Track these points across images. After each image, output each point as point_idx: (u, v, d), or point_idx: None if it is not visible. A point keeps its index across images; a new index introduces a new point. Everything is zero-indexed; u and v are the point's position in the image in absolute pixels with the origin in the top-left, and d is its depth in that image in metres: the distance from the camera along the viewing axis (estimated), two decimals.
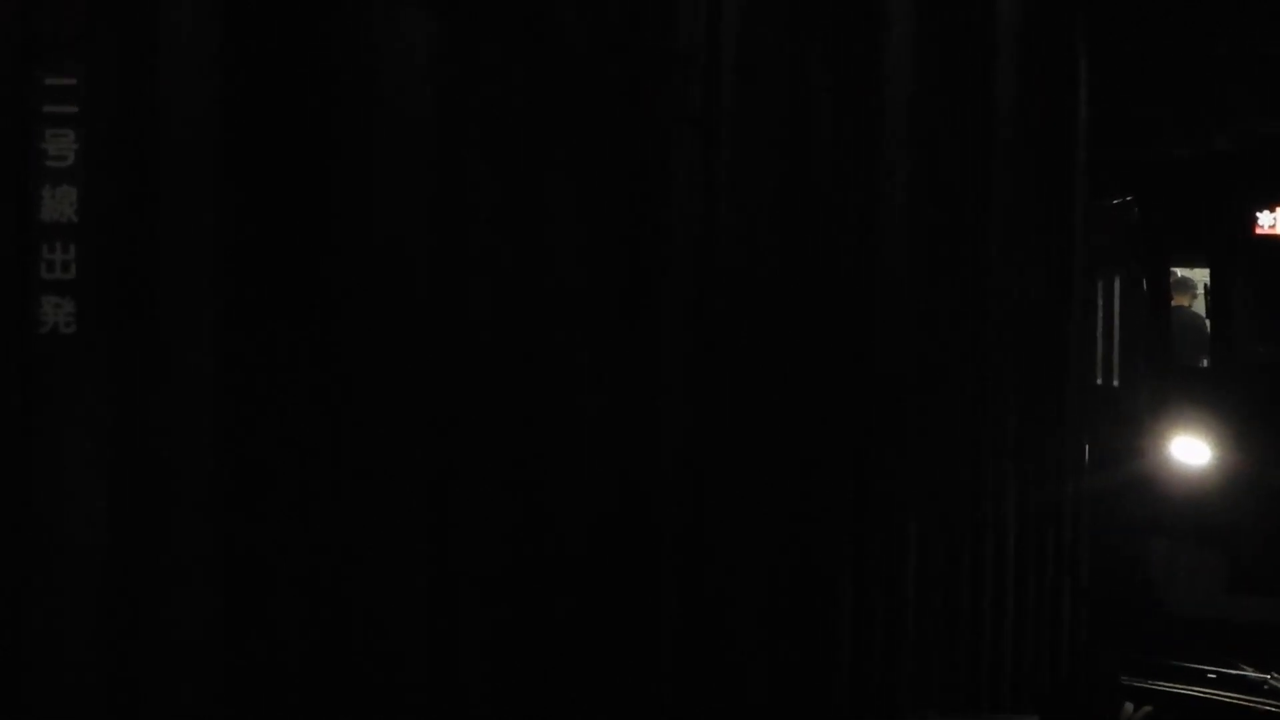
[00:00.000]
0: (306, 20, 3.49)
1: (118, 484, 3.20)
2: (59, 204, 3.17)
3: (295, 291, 3.49)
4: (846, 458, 5.21)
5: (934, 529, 5.67)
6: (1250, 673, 6.52)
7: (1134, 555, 10.62)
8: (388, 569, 3.64)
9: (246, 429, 3.39)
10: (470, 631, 3.85)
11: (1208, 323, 11.31)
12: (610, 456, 4.19)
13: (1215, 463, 10.65)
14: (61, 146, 3.17)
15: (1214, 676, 6.48)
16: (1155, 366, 11.12)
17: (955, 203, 5.89)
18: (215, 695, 3.33)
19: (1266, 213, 10.83)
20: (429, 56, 3.69)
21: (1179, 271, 11.47)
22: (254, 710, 3.41)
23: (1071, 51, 7.13)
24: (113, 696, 3.21)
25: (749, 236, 4.68)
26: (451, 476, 3.79)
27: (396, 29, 3.64)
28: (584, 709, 4.12)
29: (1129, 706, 6.18)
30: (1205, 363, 11.30)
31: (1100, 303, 11.66)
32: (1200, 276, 11.36)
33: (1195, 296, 11.48)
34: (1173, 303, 11.33)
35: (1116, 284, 11.63)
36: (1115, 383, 11.56)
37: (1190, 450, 10.75)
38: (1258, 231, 10.85)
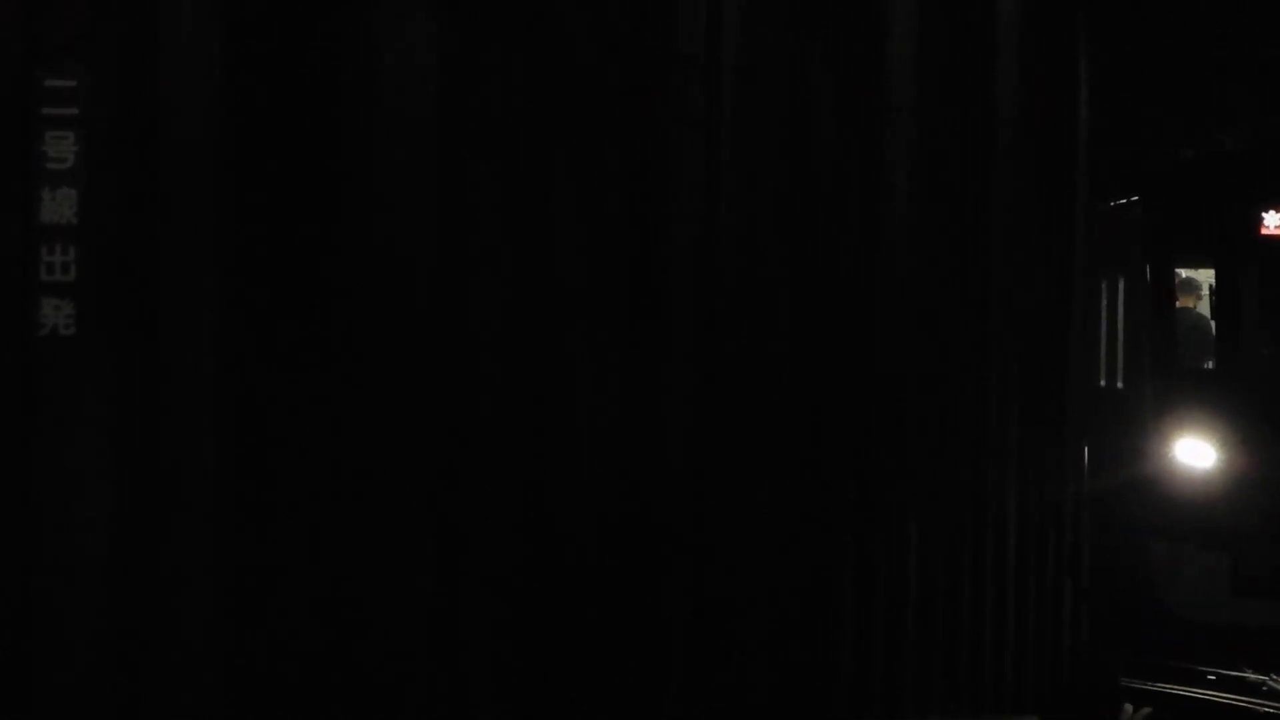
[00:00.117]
0: (307, 20, 3.50)
1: (118, 486, 3.21)
2: (59, 206, 3.17)
3: (296, 293, 3.49)
4: (847, 458, 5.20)
5: (934, 530, 5.66)
6: (1250, 674, 6.53)
7: (1136, 557, 10.61)
8: (390, 571, 3.65)
9: (247, 430, 3.40)
10: (473, 633, 3.85)
11: (1212, 324, 11.29)
12: (611, 457, 4.19)
13: (1219, 465, 10.65)
14: (61, 148, 3.17)
15: (1213, 678, 6.49)
16: (1159, 368, 11.10)
17: (956, 203, 5.88)
18: (218, 696, 3.34)
19: (1272, 213, 10.81)
20: (430, 57, 3.70)
21: (1184, 272, 11.45)
22: (257, 711, 3.41)
23: (1072, 51, 7.11)
24: (115, 698, 3.22)
25: (749, 236, 4.68)
26: (453, 478, 3.80)
27: (397, 29, 3.64)
28: (586, 710, 4.12)
29: (1129, 708, 6.18)
30: (1210, 364, 11.29)
31: (1104, 303, 11.64)
32: (1205, 277, 11.35)
33: (1200, 297, 11.46)
34: (1177, 304, 11.32)
35: (1121, 285, 11.61)
36: (1119, 384, 11.55)
37: (1194, 452, 10.74)
38: (1263, 232, 10.84)
